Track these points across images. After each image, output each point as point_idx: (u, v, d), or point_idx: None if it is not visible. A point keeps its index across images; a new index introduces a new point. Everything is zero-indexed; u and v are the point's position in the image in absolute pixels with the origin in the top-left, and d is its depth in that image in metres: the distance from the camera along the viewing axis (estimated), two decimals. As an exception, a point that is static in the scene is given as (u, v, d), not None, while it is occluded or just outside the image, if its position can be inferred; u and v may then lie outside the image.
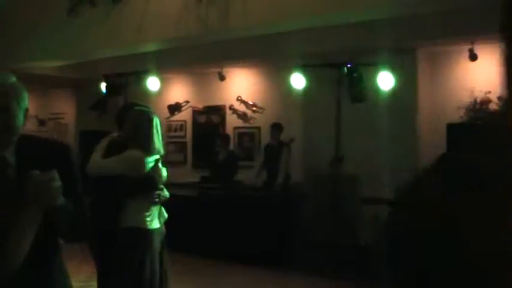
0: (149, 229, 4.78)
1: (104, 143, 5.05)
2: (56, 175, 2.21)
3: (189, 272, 8.33)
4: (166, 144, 7.31)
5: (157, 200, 4.84)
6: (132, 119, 4.89)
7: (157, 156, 4.87)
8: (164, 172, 4.99)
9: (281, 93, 10.15)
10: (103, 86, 11.43)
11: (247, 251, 8.57)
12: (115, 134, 5.12)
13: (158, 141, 4.86)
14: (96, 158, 4.94)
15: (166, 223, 5.17)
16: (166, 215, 5.01)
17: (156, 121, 4.88)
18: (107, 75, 11.25)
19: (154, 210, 4.88)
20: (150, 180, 4.78)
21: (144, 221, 4.74)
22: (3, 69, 9.74)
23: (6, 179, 2.33)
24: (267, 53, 9.23)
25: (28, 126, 13.54)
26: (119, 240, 4.70)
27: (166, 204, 5.12)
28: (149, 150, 4.79)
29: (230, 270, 8.54)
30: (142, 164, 4.74)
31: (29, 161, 2.32)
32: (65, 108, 14.15)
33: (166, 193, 5.00)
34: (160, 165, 4.92)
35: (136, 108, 5.04)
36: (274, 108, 10.32)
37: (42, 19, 9.73)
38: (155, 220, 4.88)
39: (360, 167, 8.69)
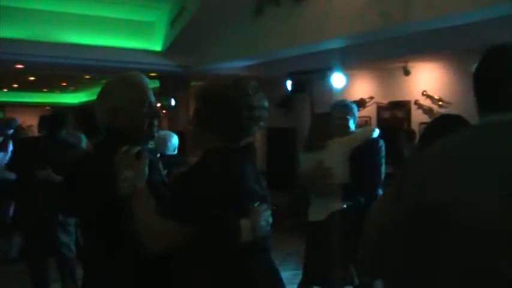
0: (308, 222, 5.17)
1: None
2: None
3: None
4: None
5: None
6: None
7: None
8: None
9: (468, 87, 9.73)
10: (288, 84, 11.70)
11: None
12: None
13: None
14: None
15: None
16: (330, 207, 5.11)
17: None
18: (292, 73, 11.50)
19: (315, 202, 5.15)
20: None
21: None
22: (197, 71, 10.29)
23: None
24: (453, 45, 8.94)
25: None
26: None
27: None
28: (306, 148, 5.28)
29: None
30: (299, 161, 5.33)
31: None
32: (253, 106, 14.61)
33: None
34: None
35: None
36: (461, 103, 9.93)
37: (230, 21, 10.15)
38: (313, 213, 5.14)
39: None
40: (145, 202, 2.32)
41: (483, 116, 1.90)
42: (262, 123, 2.58)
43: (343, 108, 5.35)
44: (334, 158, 5.04)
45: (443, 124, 3.19)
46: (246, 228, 2.39)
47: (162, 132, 5.09)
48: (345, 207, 4.94)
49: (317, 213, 5.10)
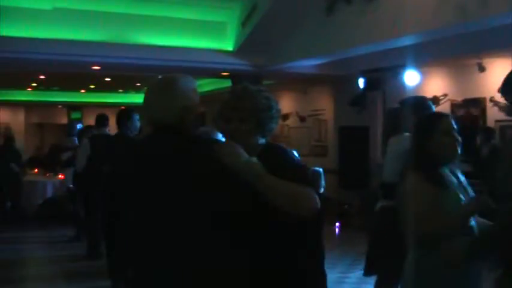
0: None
1: None
2: None
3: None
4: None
5: None
6: None
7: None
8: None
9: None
10: (361, 82, 11.61)
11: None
12: None
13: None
14: None
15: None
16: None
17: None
18: (364, 70, 11.40)
19: None
20: None
21: None
22: (269, 70, 10.32)
23: None
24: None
25: (290, 123, 14.28)
26: None
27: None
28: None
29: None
30: None
31: None
32: (324, 105, 14.54)
33: None
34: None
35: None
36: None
37: (302, 19, 10.15)
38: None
39: None
40: (272, 176, 2.46)
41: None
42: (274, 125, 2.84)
43: (408, 106, 5.20)
44: (389, 155, 5.06)
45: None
46: None
47: (204, 128, 5.19)
48: (384, 205, 5.02)
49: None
